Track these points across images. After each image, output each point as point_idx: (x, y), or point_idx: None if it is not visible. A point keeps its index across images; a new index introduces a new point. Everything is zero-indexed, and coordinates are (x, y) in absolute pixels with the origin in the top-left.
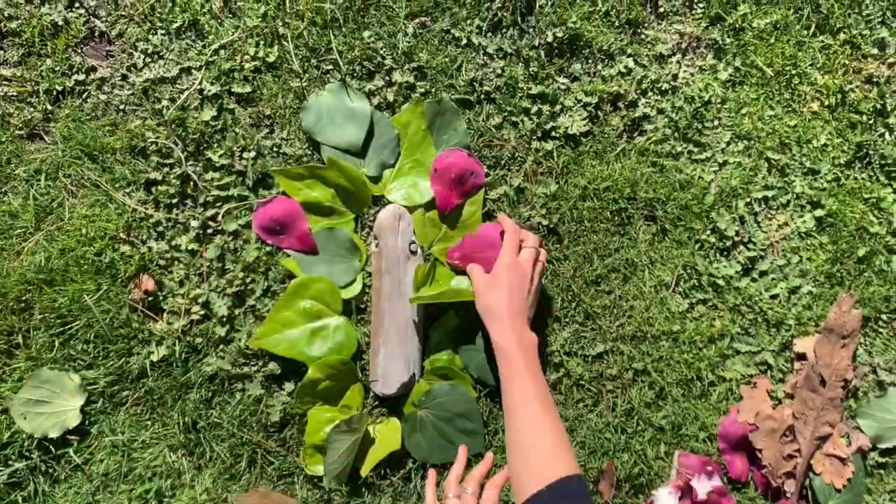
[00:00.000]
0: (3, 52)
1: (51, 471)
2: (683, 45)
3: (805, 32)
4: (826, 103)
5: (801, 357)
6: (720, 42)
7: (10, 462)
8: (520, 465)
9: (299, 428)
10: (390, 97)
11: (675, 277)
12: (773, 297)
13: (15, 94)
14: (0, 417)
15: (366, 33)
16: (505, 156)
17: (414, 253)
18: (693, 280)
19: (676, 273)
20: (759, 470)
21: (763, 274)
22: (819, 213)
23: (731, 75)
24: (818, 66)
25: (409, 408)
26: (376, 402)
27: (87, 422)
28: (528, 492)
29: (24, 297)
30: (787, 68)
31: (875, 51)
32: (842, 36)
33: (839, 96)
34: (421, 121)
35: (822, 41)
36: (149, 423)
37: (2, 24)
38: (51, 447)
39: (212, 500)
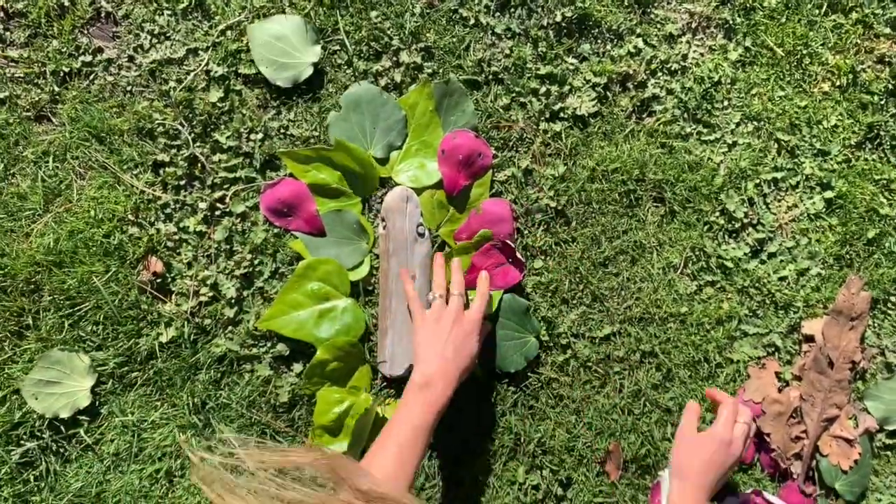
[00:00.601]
0: (9, 33)
1: (62, 450)
2: (693, 25)
3: (817, 12)
4: (837, 83)
5: (809, 339)
6: (730, 22)
7: (23, 442)
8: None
9: (308, 409)
10: (398, 78)
11: (684, 259)
12: (782, 279)
13: (22, 75)
14: (12, 398)
15: (373, 13)
16: (513, 137)
17: (421, 235)
18: (701, 262)
19: (685, 255)
20: (768, 453)
21: (772, 256)
22: (829, 194)
23: (741, 55)
24: (829, 45)
25: None
26: (384, 383)
27: (97, 402)
28: None
29: (33, 279)
30: (798, 48)
31: (888, 30)
32: (854, 15)
33: (850, 76)
34: (428, 102)
35: (834, 20)
36: (158, 403)
37: (8, 5)
38: (62, 427)
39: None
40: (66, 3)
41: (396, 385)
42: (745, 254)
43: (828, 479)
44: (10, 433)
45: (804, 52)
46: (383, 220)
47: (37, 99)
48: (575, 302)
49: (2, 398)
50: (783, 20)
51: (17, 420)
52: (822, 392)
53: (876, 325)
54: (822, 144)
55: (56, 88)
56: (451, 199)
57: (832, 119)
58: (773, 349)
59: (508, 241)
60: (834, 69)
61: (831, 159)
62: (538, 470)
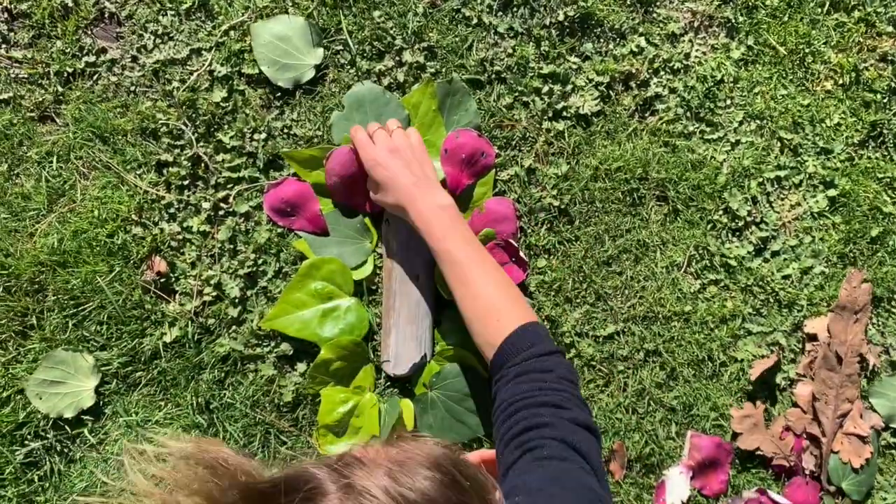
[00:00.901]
0: (13, 33)
1: (66, 450)
2: (696, 24)
3: (819, 10)
4: (840, 82)
5: (813, 338)
6: (733, 20)
7: (27, 441)
8: (479, 332)
9: (312, 408)
10: (400, 77)
11: (687, 258)
12: (786, 277)
13: (26, 76)
14: (16, 398)
15: (376, 13)
16: (516, 136)
17: None
18: (705, 260)
19: (688, 253)
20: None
21: (775, 254)
22: (832, 192)
23: (743, 54)
24: (832, 44)
25: (421, 388)
26: (388, 383)
27: (101, 402)
28: (489, 356)
29: (37, 279)
30: (801, 46)
31: (890, 28)
32: (856, 13)
33: (853, 75)
34: (431, 101)
35: (837, 19)
36: (162, 403)
37: (12, 6)
38: (66, 427)
39: None
40: (70, 4)
41: (400, 384)
42: (749, 252)
43: (835, 477)
44: (14, 433)
45: (807, 50)
46: (387, 220)
47: (41, 99)
48: (578, 301)
49: (6, 398)
50: (785, 19)
51: (22, 420)
52: (834, 388)
53: (880, 323)
54: (825, 143)
55: (60, 89)
56: (454, 199)
57: (835, 117)
58: (776, 347)
59: (511, 241)
60: (836, 67)
61: (834, 157)
62: None
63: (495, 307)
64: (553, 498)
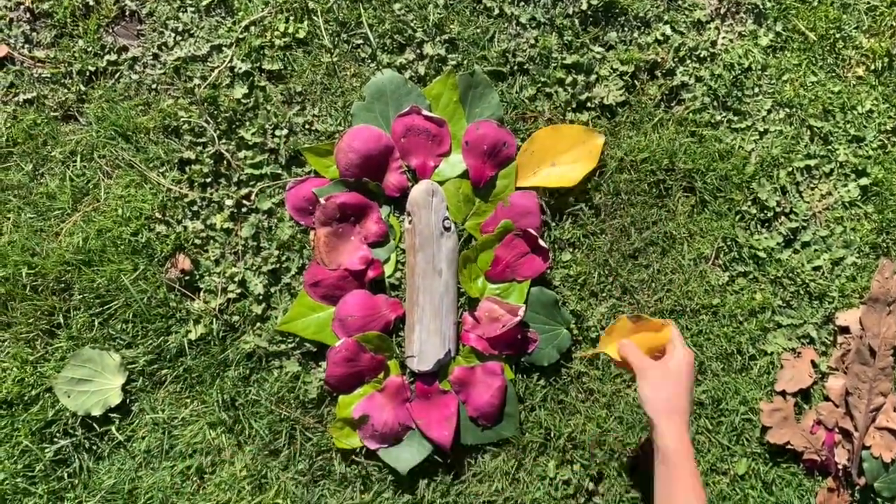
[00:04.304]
0: (36, 33)
1: (94, 448)
2: (722, 11)
3: None
4: (872, 67)
5: (845, 330)
6: (760, 6)
7: (56, 439)
8: None
9: (337, 405)
10: (421, 70)
11: (715, 250)
12: (816, 268)
13: (49, 75)
14: (45, 396)
15: (396, 5)
16: (539, 128)
17: (447, 229)
18: (733, 252)
19: (716, 245)
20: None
21: (805, 245)
22: (864, 181)
23: (771, 41)
24: (864, 28)
25: (446, 385)
26: (412, 379)
27: (128, 400)
28: None
29: (63, 278)
30: (831, 32)
31: None
32: None
33: (886, 60)
34: (452, 93)
35: (868, 2)
36: (188, 400)
37: (34, 6)
38: (94, 425)
39: (251, 476)
40: (91, 3)
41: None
42: (778, 243)
43: (869, 476)
44: (43, 431)
45: (837, 35)
46: (409, 214)
47: (64, 99)
48: (604, 295)
49: (35, 396)
50: (815, 3)
51: (51, 418)
52: (868, 382)
53: None
54: (856, 130)
55: (82, 88)
56: (476, 191)
57: (867, 104)
58: (807, 340)
59: (531, 230)
60: (868, 52)
61: (866, 145)
62: (569, 465)
63: None
64: None
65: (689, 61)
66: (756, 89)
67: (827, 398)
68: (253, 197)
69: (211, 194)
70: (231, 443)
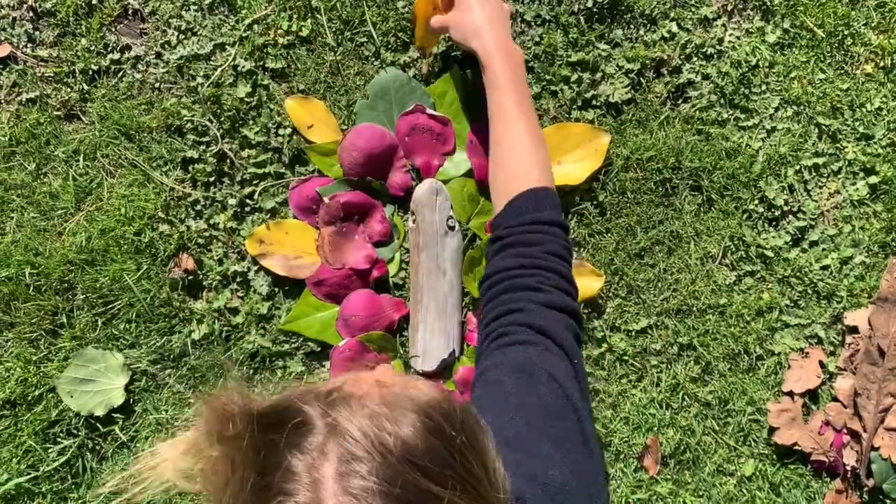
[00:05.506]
0: (38, 32)
1: (98, 448)
2: (729, 7)
3: None
4: (881, 64)
5: (853, 330)
6: (768, 3)
7: (59, 439)
8: (494, 183)
9: None
10: (425, 69)
11: (722, 249)
12: (824, 268)
13: (52, 74)
14: (48, 396)
15: (399, 3)
16: (544, 126)
17: (452, 228)
18: (740, 251)
19: (723, 244)
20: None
21: (813, 244)
22: (873, 179)
23: (779, 37)
24: (873, 25)
25: (451, 385)
26: (417, 378)
27: (131, 400)
28: (496, 210)
29: (66, 278)
30: (840, 28)
31: None
32: None
33: (895, 57)
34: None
35: None
36: (191, 400)
37: (37, 5)
38: (97, 425)
39: None
40: (94, 2)
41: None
42: (786, 242)
43: (878, 478)
44: (47, 431)
45: (846, 32)
46: (413, 213)
47: (66, 98)
48: (610, 294)
49: (38, 396)
50: (823, 0)
51: (54, 418)
52: (877, 383)
53: None
54: (865, 128)
55: (85, 87)
56: (481, 190)
57: (876, 101)
58: (815, 340)
59: None
60: (878, 50)
61: (875, 143)
62: None
63: (522, 162)
64: (500, 385)
65: (695, 59)
66: (763, 87)
67: (835, 399)
68: (256, 196)
69: (214, 193)
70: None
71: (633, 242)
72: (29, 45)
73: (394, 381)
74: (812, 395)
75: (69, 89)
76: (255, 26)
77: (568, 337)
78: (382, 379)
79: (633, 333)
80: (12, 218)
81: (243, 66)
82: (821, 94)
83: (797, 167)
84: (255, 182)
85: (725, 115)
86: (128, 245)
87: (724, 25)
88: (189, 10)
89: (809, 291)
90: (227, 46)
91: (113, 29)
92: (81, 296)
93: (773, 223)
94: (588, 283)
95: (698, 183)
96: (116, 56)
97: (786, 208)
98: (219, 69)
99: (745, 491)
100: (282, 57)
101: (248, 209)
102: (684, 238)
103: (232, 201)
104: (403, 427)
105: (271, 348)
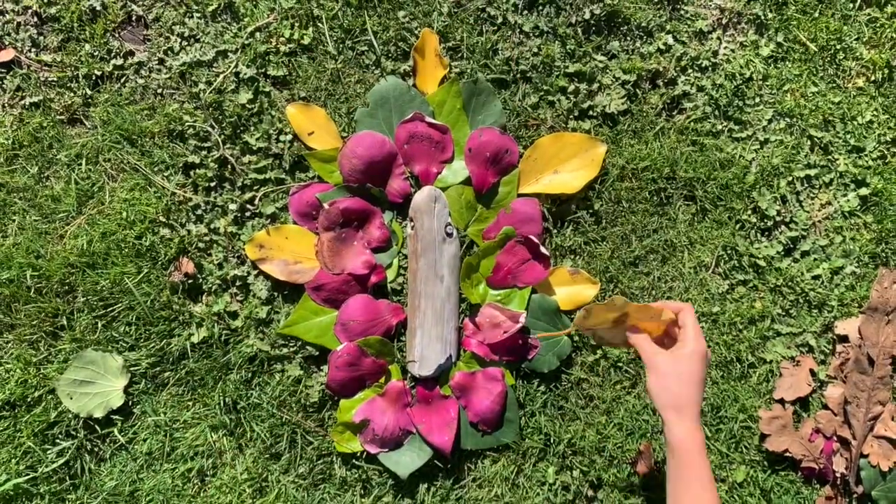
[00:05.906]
0: (43, 37)
1: (96, 450)
2: (724, 21)
3: (850, 5)
4: (872, 79)
5: (843, 339)
6: (762, 17)
7: (58, 441)
8: None
9: (337, 408)
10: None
11: (715, 258)
12: (816, 277)
13: (55, 79)
14: (48, 397)
15: (400, 13)
16: (542, 136)
17: (450, 235)
18: (733, 261)
19: (716, 254)
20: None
21: (805, 254)
22: (863, 191)
23: (773, 51)
24: (864, 40)
25: (447, 391)
26: (413, 384)
27: (130, 402)
28: None
29: (67, 280)
30: (832, 43)
31: None
32: (889, 9)
33: (886, 71)
34: (456, 100)
35: (869, 14)
36: (190, 403)
37: (41, 10)
38: (96, 427)
39: (252, 480)
40: (98, 7)
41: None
42: (778, 252)
43: (867, 484)
44: (46, 432)
45: (838, 46)
46: (412, 220)
47: (70, 102)
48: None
49: (38, 398)
50: (816, 14)
51: (53, 419)
52: (866, 391)
53: None
54: (856, 141)
55: (88, 92)
56: (479, 197)
57: (867, 115)
58: (806, 349)
59: (532, 237)
60: (869, 64)
61: (866, 156)
62: (568, 471)
63: None
64: None
65: (690, 71)
66: (757, 99)
67: (825, 406)
68: (257, 201)
69: (215, 198)
70: (232, 446)
71: (627, 251)
72: (33, 49)
73: None
74: (803, 403)
75: (72, 94)
76: (258, 34)
77: None
78: None
79: None
80: (14, 220)
81: (245, 73)
82: (813, 107)
83: (790, 178)
84: (255, 187)
85: (719, 127)
86: (129, 248)
87: (718, 38)
88: (192, 17)
89: (801, 301)
90: (229, 53)
91: (116, 35)
92: (82, 298)
93: (766, 233)
94: (583, 291)
95: (692, 193)
96: (120, 61)
97: (778, 219)
98: (221, 76)
99: (736, 497)
100: (283, 64)
101: (248, 214)
102: (678, 247)
103: (232, 206)
104: None
105: (270, 352)
